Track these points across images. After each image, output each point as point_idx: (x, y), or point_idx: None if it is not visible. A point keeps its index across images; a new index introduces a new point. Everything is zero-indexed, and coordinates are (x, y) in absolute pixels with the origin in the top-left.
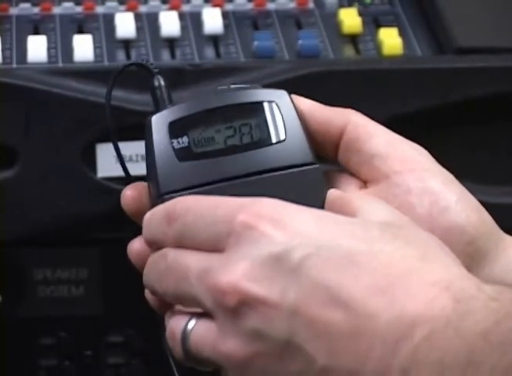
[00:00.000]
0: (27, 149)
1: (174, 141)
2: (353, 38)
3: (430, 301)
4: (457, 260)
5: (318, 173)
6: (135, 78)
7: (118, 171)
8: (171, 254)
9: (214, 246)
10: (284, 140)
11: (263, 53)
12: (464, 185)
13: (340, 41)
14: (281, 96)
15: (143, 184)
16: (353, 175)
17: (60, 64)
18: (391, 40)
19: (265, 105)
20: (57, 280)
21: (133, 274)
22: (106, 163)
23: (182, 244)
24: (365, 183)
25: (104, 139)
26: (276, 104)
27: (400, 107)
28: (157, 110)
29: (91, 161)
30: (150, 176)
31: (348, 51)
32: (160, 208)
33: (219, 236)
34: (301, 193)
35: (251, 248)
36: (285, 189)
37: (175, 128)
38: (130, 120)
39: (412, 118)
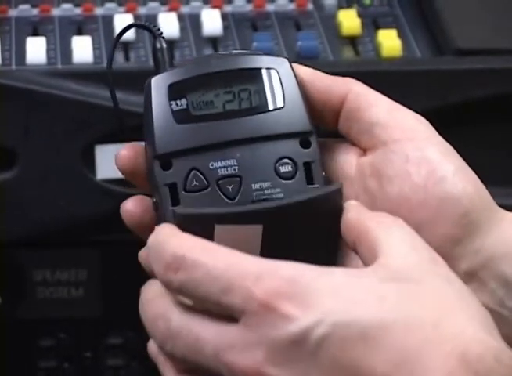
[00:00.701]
0: (27, 150)
1: (173, 103)
2: (352, 40)
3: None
4: (473, 309)
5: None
6: (135, 80)
7: (118, 173)
8: (176, 318)
9: (227, 314)
10: (283, 107)
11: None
12: None
13: (340, 43)
14: (282, 64)
15: (140, 144)
16: (353, 144)
17: (59, 66)
18: (390, 41)
19: (265, 71)
20: (57, 281)
21: (133, 276)
22: (106, 164)
23: (185, 296)
24: (364, 152)
25: (103, 141)
26: (276, 71)
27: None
28: (158, 72)
29: (90, 163)
30: (147, 137)
31: (347, 52)
32: (167, 247)
33: (233, 307)
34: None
35: (271, 330)
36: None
37: (174, 91)
38: (129, 121)
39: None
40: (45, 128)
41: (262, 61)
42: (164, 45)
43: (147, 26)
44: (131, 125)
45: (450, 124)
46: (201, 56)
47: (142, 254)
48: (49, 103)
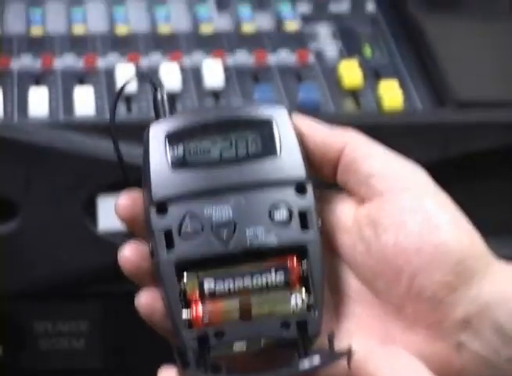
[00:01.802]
0: (28, 202)
1: (170, 150)
2: (353, 91)
3: None
4: None
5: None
6: (136, 132)
7: (119, 225)
8: None
9: None
10: (279, 155)
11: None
12: None
13: (341, 95)
14: (280, 113)
15: (138, 192)
16: (351, 195)
17: (61, 118)
18: (391, 93)
19: (263, 120)
20: (58, 332)
21: (134, 328)
22: (107, 217)
23: None
24: (362, 203)
25: (105, 193)
26: (275, 120)
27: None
28: (157, 119)
29: (92, 215)
30: (144, 183)
31: (349, 104)
32: None
33: None
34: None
35: None
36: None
37: (172, 138)
38: (131, 174)
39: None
40: (46, 181)
41: (260, 110)
42: (165, 95)
43: (148, 76)
44: (134, 178)
45: (451, 176)
46: (201, 107)
47: (141, 300)
48: (51, 155)
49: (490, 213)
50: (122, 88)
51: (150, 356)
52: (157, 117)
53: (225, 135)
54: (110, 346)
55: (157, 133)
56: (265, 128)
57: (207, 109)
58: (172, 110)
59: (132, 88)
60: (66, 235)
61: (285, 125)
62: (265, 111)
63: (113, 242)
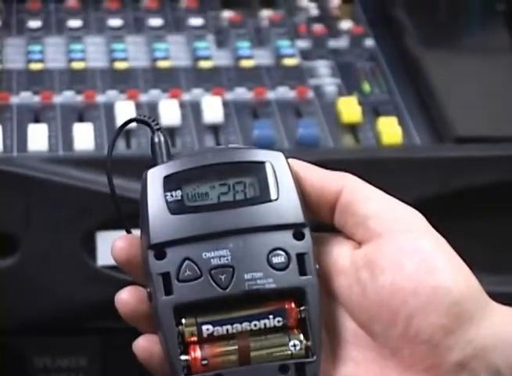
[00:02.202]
0: (28, 236)
1: (168, 194)
2: (352, 127)
3: None
4: None
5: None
6: (135, 167)
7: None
8: None
9: None
10: (277, 200)
11: (263, 142)
12: None
13: (340, 130)
14: (277, 157)
15: (135, 236)
16: (348, 237)
17: (61, 153)
18: (390, 129)
19: (261, 165)
20: (57, 367)
21: (133, 363)
22: (106, 251)
23: None
24: (359, 245)
25: (104, 227)
26: (271, 164)
27: (399, 196)
28: (155, 164)
29: (91, 249)
30: (142, 227)
31: (348, 140)
32: None
33: None
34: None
35: None
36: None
37: (170, 182)
38: (129, 208)
39: (412, 207)
40: (45, 215)
41: (257, 155)
42: (162, 139)
43: (146, 120)
44: (131, 212)
45: (450, 212)
46: (197, 149)
47: (138, 344)
48: (50, 189)
49: (489, 249)
50: (120, 130)
51: None
52: (155, 160)
53: (222, 179)
54: None
55: (155, 178)
56: (262, 173)
57: (205, 152)
58: (170, 153)
59: (131, 124)
60: (65, 269)
61: (282, 169)
62: (262, 155)
63: (112, 276)
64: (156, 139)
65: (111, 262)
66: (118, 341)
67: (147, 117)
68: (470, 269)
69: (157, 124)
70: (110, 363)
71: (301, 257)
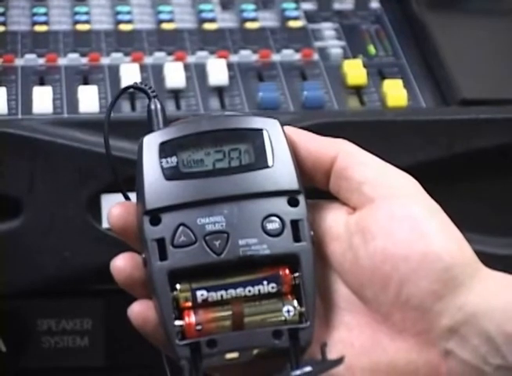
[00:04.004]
0: (32, 199)
1: (163, 160)
2: (357, 90)
3: None
4: None
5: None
6: (139, 129)
7: None
8: None
9: None
10: (272, 166)
11: (268, 104)
12: (469, 236)
13: (345, 93)
14: (272, 124)
15: (131, 202)
16: (344, 203)
17: (65, 115)
18: (395, 91)
19: (256, 132)
20: (62, 330)
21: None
22: None
23: None
24: (354, 210)
25: (109, 190)
26: (267, 131)
27: (404, 159)
28: (151, 131)
29: (96, 212)
30: (138, 193)
31: (353, 102)
32: None
33: None
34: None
35: None
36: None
37: (165, 149)
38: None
39: (417, 170)
40: (50, 178)
41: (253, 122)
42: (159, 106)
43: (142, 87)
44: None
45: (455, 174)
46: (193, 116)
47: (133, 310)
48: (55, 152)
49: (496, 212)
50: (116, 99)
51: (155, 354)
52: (151, 127)
53: (217, 146)
54: (115, 344)
55: (151, 144)
56: (257, 140)
57: (200, 119)
58: (166, 120)
59: None
60: (70, 232)
61: (277, 136)
62: (258, 122)
63: (117, 239)
64: (153, 106)
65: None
66: (122, 303)
67: (143, 85)
68: (476, 231)
69: (153, 91)
70: (115, 325)
71: (295, 223)
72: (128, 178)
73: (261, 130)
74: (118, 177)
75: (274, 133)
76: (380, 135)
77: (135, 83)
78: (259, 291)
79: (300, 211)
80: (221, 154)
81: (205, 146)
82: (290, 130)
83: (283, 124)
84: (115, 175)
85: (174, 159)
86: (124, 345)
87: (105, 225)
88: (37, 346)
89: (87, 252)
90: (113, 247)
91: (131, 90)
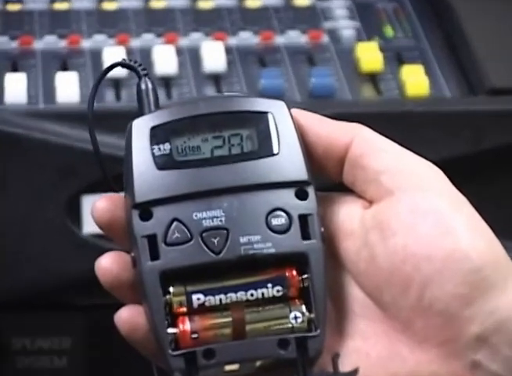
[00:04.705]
0: (5, 201)
1: (155, 147)
2: (373, 77)
3: None
4: None
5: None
6: (125, 122)
7: None
8: None
9: None
10: (277, 154)
11: (271, 93)
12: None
13: (359, 80)
14: (278, 107)
15: (119, 195)
16: (359, 196)
17: (41, 105)
18: (415, 79)
19: (260, 115)
20: (37, 349)
21: (121, 345)
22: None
23: None
24: (370, 204)
25: (91, 190)
26: (272, 115)
27: (425, 155)
28: (141, 114)
29: (76, 216)
30: (126, 184)
31: (367, 91)
32: None
33: None
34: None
35: None
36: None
37: (157, 134)
38: (120, 169)
39: (439, 168)
40: (24, 176)
41: (256, 104)
42: (150, 86)
43: (131, 65)
44: (121, 174)
45: (483, 172)
46: (189, 98)
47: (121, 316)
48: (29, 147)
49: None
50: (101, 79)
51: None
52: (141, 110)
53: (216, 131)
54: (96, 366)
55: (141, 129)
56: (261, 124)
57: (197, 101)
58: (158, 102)
59: (121, 72)
60: (47, 238)
61: (284, 120)
62: (262, 104)
63: (99, 246)
64: (143, 86)
65: (98, 229)
66: (105, 319)
67: (133, 62)
68: (507, 234)
69: (144, 68)
70: (96, 344)
71: (303, 218)
72: (113, 177)
73: (266, 113)
74: (106, 173)
75: (280, 116)
76: (398, 128)
77: (124, 60)
78: (263, 294)
79: (309, 205)
80: (221, 140)
81: (202, 131)
82: (298, 113)
83: (290, 107)
84: (103, 170)
85: (167, 146)
86: (107, 366)
87: (86, 230)
88: (9, 367)
89: (66, 261)
90: (94, 255)
91: (117, 77)
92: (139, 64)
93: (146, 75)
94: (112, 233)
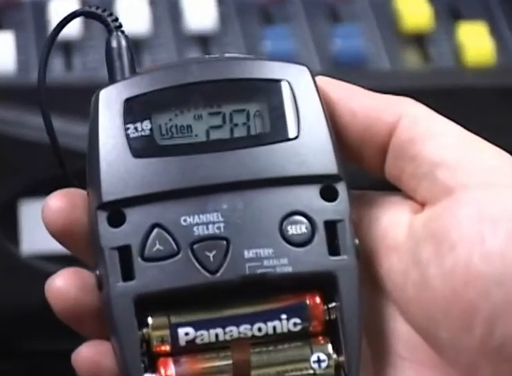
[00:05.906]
0: None
1: (131, 127)
2: (419, 38)
3: None
4: None
5: None
6: (80, 99)
7: (51, 244)
8: None
9: None
10: (297, 138)
11: (278, 58)
12: None
13: (399, 43)
14: (298, 73)
15: (79, 191)
16: (407, 196)
17: None
18: (476, 42)
19: (273, 84)
20: None
21: None
22: (34, 230)
23: None
24: (422, 206)
25: (31, 193)
26: (289, 84)
27: (490, 140)
28: (112, 82)
29: (11, 228)
30: (90, 177)
31: (412, 57)
32: None
33: None
34: None
35: None
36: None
37: (133, 108)
38: (71, 164)
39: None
40: None
41: (268, 69)
42: (124, 44)
43: (98, 13)
44: (75, 170)
45: None
46: (176, 60)
47: (80, 355)
48: None
49: None
50: (58, 31)
51: None
52: (112, 76)
53: (213, 106)
54: None
55: (111, 101)
56: (274, 97)
57: (187, 64)
58: (134, 66)
59: (74, 32)
60: None
61: (306, 91)
62: (276, 70)
63: (43, 270)
64: (115, 43)
65: (40, 247)
66: (53, 367)
67: (101, 10)
68: None
69: (116, 19)
70: None
71: (331, 226)
72: (75, 172)
73: (281, 81)
74: (64, 165)
75: (301, 86)
76: (453, 106)
77: (88, 7)
78: (274, 329)
79: (339, 208)
80: (220, 119)
81: (194, 106)
82: (326, 82)
83: (314, 74)
84: (60, 161)
85: (146, 125)
86: None
87: (25, 248)
88: None
89: None
90: (35, 284)
91: (67, 38)
92: (109, 13)
93: (118, 28)
94: (69, 243)
